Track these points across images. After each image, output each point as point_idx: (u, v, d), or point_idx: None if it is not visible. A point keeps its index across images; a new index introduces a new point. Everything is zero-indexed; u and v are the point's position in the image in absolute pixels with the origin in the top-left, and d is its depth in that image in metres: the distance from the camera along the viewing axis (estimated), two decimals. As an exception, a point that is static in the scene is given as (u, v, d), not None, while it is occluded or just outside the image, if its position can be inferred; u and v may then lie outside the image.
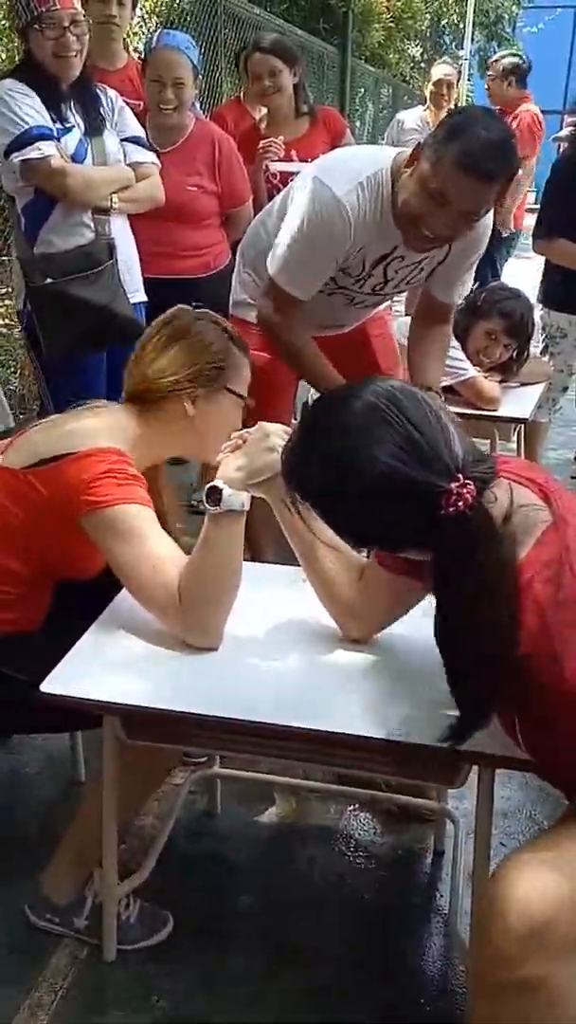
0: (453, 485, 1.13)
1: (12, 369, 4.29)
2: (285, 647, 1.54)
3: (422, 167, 1.94)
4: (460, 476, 1.14)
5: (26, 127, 2.37)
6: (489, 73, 5.27)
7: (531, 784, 2.05)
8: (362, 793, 1.97)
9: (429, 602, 1.47)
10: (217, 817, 2.00)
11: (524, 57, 5.20)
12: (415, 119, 5.56)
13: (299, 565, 1.60)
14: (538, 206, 3.63)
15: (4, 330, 4.60)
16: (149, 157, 2.70)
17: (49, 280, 2.49)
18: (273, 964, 1.65)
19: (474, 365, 2.96)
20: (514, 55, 5.32)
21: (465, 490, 1.13)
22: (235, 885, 1.82)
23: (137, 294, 2.73)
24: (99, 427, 1.58)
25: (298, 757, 1.52)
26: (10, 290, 2.71)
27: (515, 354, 3.05)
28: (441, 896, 1.82)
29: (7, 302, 3.05)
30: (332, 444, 1.20)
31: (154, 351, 1.63)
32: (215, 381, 1.62)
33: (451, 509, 1.12)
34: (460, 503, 1.12)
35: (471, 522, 1.13)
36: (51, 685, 1.41)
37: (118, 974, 1.62)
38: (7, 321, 4.48)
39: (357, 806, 2.04)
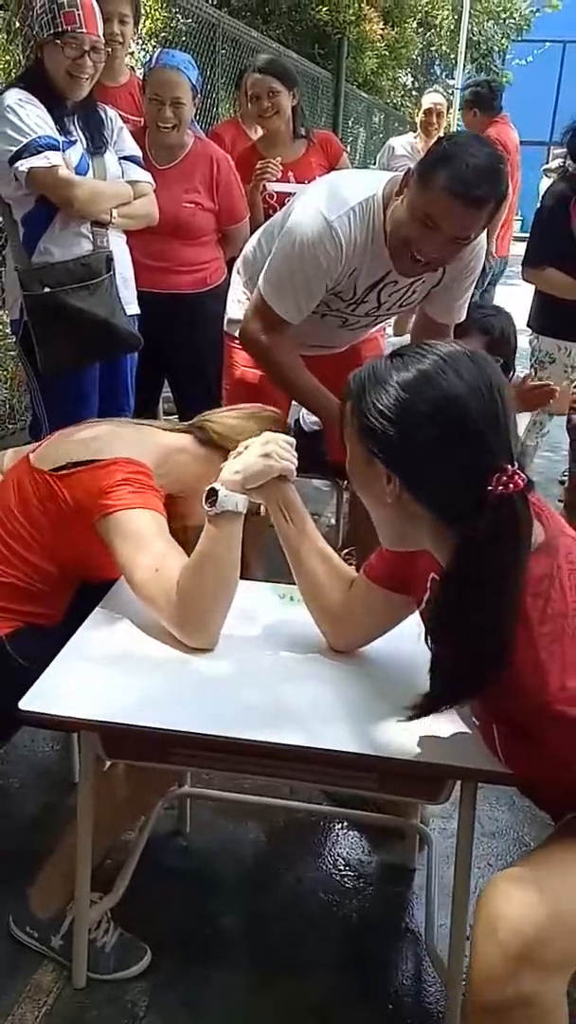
0: (508, 466, 1.13)
1: (2, 380, 4.27)
2: (269, 663, 1.54)
3: (412, 193, 1.96)
4: (514, 464, 1.14)
5: (34, 136, 2.38)
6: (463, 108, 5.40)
7: (519, 806, 2.06)
8: (338, 811, 1.96)
9: (414, 619, 1.48)
10: (195, 835, 1.98)
11: (484, 84, 5.29)
12: (405, 145, 5.62)
13: (288, 582, 1.59)
14: (526, 235, 3.68)
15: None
16: (146, 176, 2.73)
17: (47, 289, 2.49)
18: (254, 982, 1.64)
19: None
20: (475, 84, 5.39)
21: (517, 476, 1.13)
22: (214, 904, 1.80)
23: (131, 306, 2.74)
24: (129, 440, 1.63)
25: (280, 774, 1.51)
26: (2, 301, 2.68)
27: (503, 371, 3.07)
28: (419, 914, 1.81)
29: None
30: (415, 363, 1.20)
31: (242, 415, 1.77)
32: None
33: (500, 488, 1.12)
34: (511, 485, 1.12)
35: (515, 506, 1.13)
36: (30, 702, 1.38)
37: (101, 994, 1.59)
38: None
39: (341, 824, 2.03)
